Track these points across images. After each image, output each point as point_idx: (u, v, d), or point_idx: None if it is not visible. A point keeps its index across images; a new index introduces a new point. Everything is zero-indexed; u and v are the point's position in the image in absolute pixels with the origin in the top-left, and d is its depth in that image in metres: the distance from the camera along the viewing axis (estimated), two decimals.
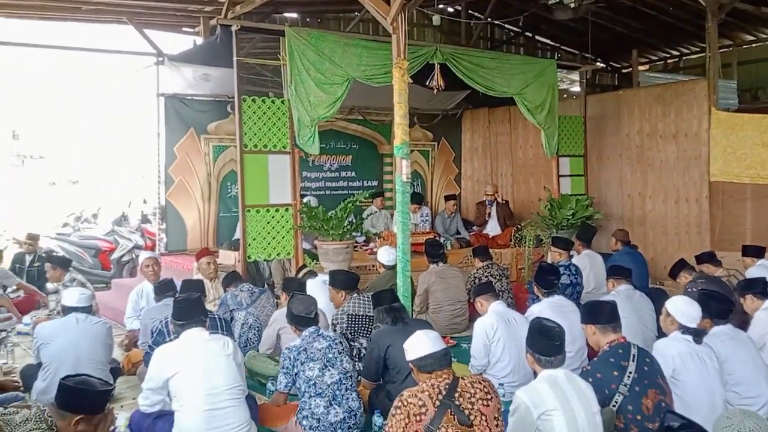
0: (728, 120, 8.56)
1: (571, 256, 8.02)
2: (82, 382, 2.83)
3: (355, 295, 5.42)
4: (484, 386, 3.00)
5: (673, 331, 4.04)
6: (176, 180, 9.04)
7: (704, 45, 9.28)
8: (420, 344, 3.11)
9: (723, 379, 4.02)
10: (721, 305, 4.36)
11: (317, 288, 5.80)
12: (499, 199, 10.11)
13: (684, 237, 9.04)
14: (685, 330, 3.99)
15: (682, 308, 4.05)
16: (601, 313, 3.79)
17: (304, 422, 4.04)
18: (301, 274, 6.55)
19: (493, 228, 9.90)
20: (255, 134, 6.88)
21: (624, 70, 13.36)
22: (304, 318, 4.29)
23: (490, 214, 10.02)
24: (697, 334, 3.99)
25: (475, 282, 6.50)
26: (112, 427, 3.01)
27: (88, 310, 4.93)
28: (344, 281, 5.42)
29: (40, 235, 9.46)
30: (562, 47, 13.32)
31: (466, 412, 2.85)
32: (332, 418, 4.03)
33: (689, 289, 5.91)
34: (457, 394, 2.90)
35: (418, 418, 2.82)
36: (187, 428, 3.66)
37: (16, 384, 4.94)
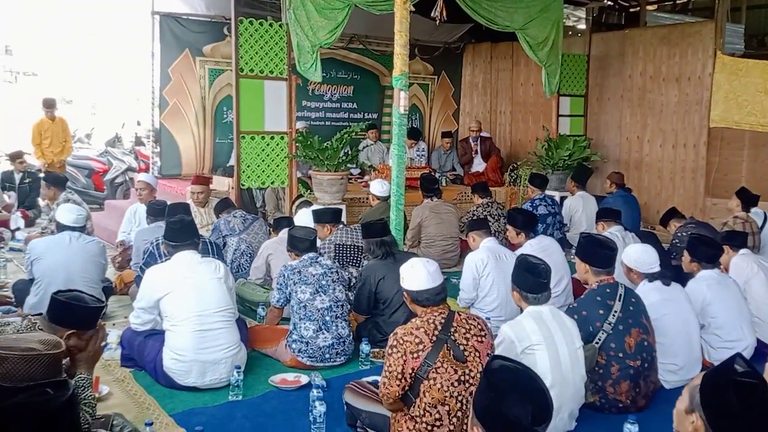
0: (733, 65, 8.43)
1: (563, 198, 8.11)
2: (74, 297, 2.85)
3: (341, 226, 5.47)
4: (479, 323, 3.00)
5: (639, 282, 4.06)
6: (171, 102, 8.89)
7: None
8: (417, 277, 3.03)
9: (698, 319, 4.09)
10: (710, 249, 4.40)
11: (307, 219, 5.81)
12: (484, 134, 10.05)
13: (679, 182, 9.05)
14: (651, 277, 4.02)
15: (639, 258, 4.07)
16: (599, 257, 3.79)
17: (294, 345, 4.12)
18: (295, 204, 6.54)
19: (478, 165, 9.87)
20: (251, 58, 6.74)
21: (632, 9, 13.02)
22: (304, 240, 4.34)
23: (476, 151, 9.95)
24: (663, 276, 4.03)
25: (473, 218, 6.52)
26: (103, 344, 3.04)
27: (81, 229, 4.94)
28: (327, 215, 5.48)
29: (23, 152, 9.36)
30: None
31: (461, 347, 2.86)
32: (321, 342, 4.11)
33: (680, 234, 5.95)
34: (452, 329, 2.89)
35: (415, 355, 2.82)
36: (177, 347, 3.73)
37: (8, 299, 4.99)
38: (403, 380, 2.84)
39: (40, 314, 2.94)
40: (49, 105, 9.20)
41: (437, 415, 2.82)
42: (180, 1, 8.78)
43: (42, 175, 8.56)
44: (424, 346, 2.83)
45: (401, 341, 2.86)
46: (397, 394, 2.87)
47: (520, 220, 5.30)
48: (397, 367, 2.84)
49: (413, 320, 2.99)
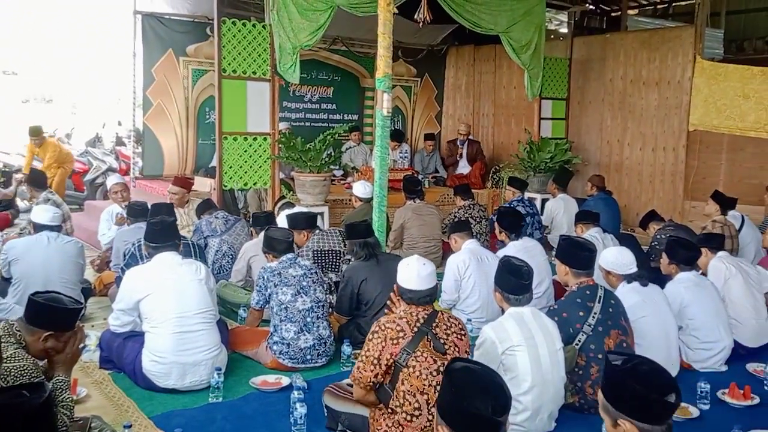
0: (712, 69, 8.54)
1: (545, 200, 8.19)
2: (52, 299, 2.83)
3: (318, 231, 5.45)
4: (459, 323, 3.08)
5: (618, 285, 4.08)
6: (155, 103, 8.81)
7: None
8: (408, 277, 3.05)
9: (676, 321, 4.12)
10: (688, 252, 4.45)
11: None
12: (471, 137, 10.11)
13: (658, 185, 9.14)
14: (629, 278, 4.04)
15: (616, 260, 4.09)
16: (578, 259, 3.82)
17: (275, 347, 4.11)
18: (278, 206, 6.52)
19: (463, 167, 9.91)
20: (234, 59, 6.71)
21: (613, 14, 13.16)
22: (282, 242, 4.32)
23: (461, 154, 9.99)
24: (641, 276, 4.06)
25: (454, 220, 6.54)
26: (81, 345, 3.01)
27: (58, 229, 4.89)
28: (302, 221, 5.42)
29: None
30: None
31: (441, 341, 2.92)
32: (302, 344, 4.10)
33: (658, 236, 6.01)
34: (434, 324, 2.96)
35: (395, 341, 2.88)
36: (157, 349, 3.70)
37: None
38: (377, 367, 2.87)
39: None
40: (34, 134, 9.07)
41: (416, 404, 2.85)
42: (162, 0, 8.72)
43: (18, 175, 8.45)
44: (405, 335, 2.89)
45: (383, 327, 2.92)
46: (368, 380, 2.90)
47: (505, 219, 5.45)
48: (374, 352, 2.88)
49: (398, 312, 3.04)
